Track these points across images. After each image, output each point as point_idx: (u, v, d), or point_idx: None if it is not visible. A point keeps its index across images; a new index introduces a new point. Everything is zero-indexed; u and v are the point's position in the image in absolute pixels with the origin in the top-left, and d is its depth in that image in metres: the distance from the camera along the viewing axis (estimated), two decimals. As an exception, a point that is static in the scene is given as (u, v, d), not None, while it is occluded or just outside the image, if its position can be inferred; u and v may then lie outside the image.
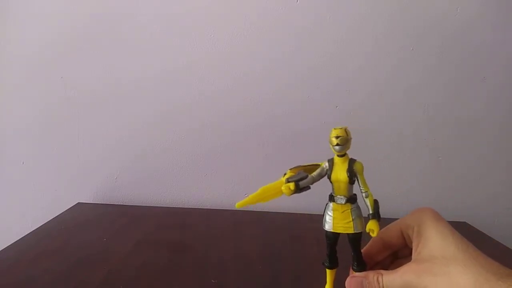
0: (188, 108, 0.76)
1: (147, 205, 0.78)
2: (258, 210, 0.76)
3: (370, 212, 0.32)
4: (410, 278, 0.29)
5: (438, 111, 0.75)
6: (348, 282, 0.33)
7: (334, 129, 0.32)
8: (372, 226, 0.31)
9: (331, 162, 0.33)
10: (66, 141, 0.78)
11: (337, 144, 0.31)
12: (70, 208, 0.74)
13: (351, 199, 0.33)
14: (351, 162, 0.33)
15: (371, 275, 0.32)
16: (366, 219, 0.32)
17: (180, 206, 0.79)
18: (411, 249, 0.33)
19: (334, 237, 0.34)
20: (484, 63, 0.73)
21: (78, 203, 0.77)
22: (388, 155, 0.76)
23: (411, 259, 0.33)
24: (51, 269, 0.49)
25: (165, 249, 0.56)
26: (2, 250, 0.53)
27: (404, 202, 0.77)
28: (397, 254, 0.35)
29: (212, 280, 0.47)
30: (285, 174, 0.34)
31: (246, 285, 0.47)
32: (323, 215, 0.34)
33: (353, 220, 0.32)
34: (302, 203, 0.75)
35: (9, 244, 0.55)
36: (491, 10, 0.71)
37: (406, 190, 0.77)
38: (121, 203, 0.79)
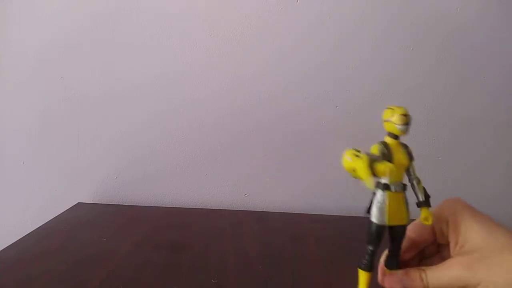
0: (188, 108, 0.76)
1: (147, 205, 0.78)
2: (258, 210, 0.76)
3: (422, 199, 0.29)
4: (460, 272, 0.26)
5: (438, 111, 0.75)
6: (386, 280, 0.30)
7: (397, 107, 0.28)
8: (426, 214, 0.29)
9: (386, 145, 0.29)
10: (66, 141, 0.78)
11: (406, 123, 0.28)
12: (70, 208, 0.74)
13: (405, 186, 0.30)
14: (404, 145, 0.30)
15: (413, 272, 0.28)
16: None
17: (180, 206, 0.79)
18: (439, 245, 0.31)
19: (384, 232, 0.30)
20: (484, 63, 0.73)
21: (78, 203, 0.77)
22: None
23: (440, 256, 0.31)
24: (51, 269, 0.49)
25: (165, 249, 0.56)
26: (2, 250, 0.53)
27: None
28: (424, 252, 0.32)
29: (212, 280, 0.47)
30: (357, 154, 0.28)
31: (246, 285, 0.47)
32: (370, 207, 0.30)
33: (406, 210, 0.29)
34: (302, 203, 0.75)
35: (9, 244, 0.55)
36: (491, 10, 0.71)
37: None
38: (121, 203, 0.79)
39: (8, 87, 0.77)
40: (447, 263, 0.27)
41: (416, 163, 0.31)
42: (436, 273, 0.27)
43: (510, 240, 0.26)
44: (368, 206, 0.30)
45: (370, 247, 0.30)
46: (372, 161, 0.27)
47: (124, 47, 0.74)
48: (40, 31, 0.75)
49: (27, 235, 0.59)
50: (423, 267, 0.28)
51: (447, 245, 0.30)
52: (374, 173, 0.27)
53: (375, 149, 0.29)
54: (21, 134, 0.78)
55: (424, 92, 0.74)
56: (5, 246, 0.54)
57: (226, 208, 0.77)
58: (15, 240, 0.56)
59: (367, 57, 0.73)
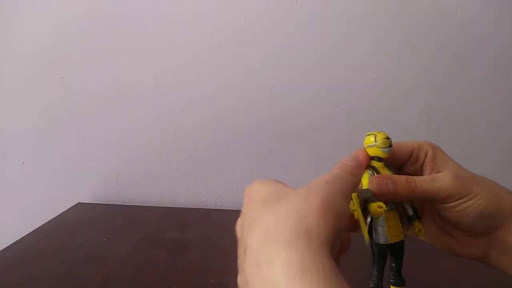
0: (188, 108, 0.76)
1: (147, 205, 0.78)
2: (258, 210, 0.76)
3: (412, 213, 0.31)
4: (452, 182, 0.28)
5: (438, 111, 0.75)
6: (374, 181, 0.29)
7: (377, 132, 0.30)
8: (419, 226, 0.31)
9: (374, 169, 0.31)
10: (66, 141, 0.78)
11: (390, 145, 0.30)
12: (70, 208, 0.74)
13: (396, 204, 0.31)
14: (388, 166, 0.31)
15: (400, 176, 0.30)
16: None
17: (180, 206, 0.79)
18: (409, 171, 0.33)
19: (387, 250, 0.32)
20: (484, 62, 0.73)
21: (78, 203, 0.77)
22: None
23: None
24: (51, 269, 0.49)
25: (165, 249, 0.56)
26: (2, 250, 0.53)
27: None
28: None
29: (212, 280, 0.47)
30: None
31: (246, 285, 0.47)
32: (370, 229, 0.31)
33: (402, 225, 0.31)
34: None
35: (9, 244, 0.55)
36: (491, 10, 0.71)
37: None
38: (121, 203, 0.79)
39: (8, 87, 0.77)
40: (439, 174, 0.29)
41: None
42: (427, 181, 0.29)
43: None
44: (369, 229, 0.31)
45: (377, 268, 0.32)
46: (364, 202, 0.29)
47: (124, 47, 0.74)
48: (40, 31, 0.75)
49: (27, 235, 0.59)
50: (412, 176, 0.30)
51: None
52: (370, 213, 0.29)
53: (365, 178, 0.30)
54: (21, 134, 0.78)
55: (424, 91, 0.74)
56: (5, 246, 0.54)
57: (226, 208, 0.77)
58: (15, 240, 0.56)
59: (367, 57, 0.73)
